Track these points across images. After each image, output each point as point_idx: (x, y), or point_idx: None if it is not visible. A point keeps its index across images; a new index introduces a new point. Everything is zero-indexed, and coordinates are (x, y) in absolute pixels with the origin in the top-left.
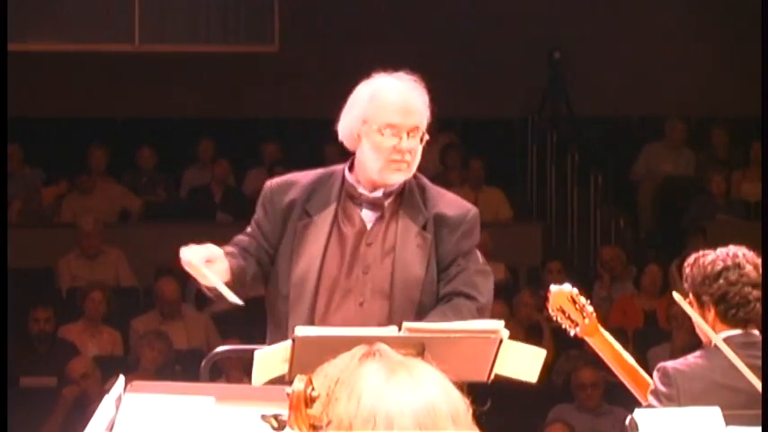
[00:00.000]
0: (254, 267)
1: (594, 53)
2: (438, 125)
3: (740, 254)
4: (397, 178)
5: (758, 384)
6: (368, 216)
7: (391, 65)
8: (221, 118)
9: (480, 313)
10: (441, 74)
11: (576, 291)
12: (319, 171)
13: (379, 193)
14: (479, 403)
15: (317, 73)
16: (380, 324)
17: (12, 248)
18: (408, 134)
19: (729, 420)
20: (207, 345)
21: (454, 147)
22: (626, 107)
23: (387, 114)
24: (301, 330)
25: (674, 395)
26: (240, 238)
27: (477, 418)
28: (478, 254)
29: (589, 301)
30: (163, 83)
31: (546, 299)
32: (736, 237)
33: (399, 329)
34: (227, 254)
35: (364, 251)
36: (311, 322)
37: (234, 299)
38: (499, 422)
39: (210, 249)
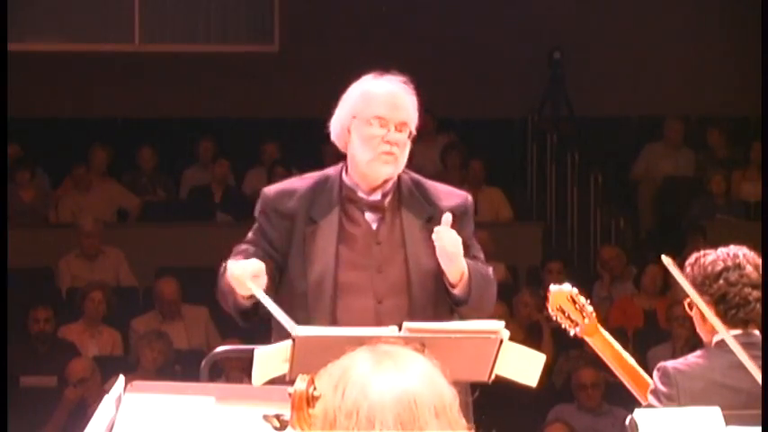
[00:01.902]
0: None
1: (594, 53)
2: (438, 125)
3: (741, 254)
4: (386, 170)
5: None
6: (370, 218)
7: (392, 65)
8: (221, 118)
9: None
10: (441, 74)
11: (575, 291)
12: (315, 176)
13: (377, 196)
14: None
15: (317, 73)
16: (401, 321)
17: (12, 248)
18: (396, 128)
19: (729, 420)
20: (207, 345)
21: (454, 147)
22: (626, 107)
23: (375, 107)
24: (301, 330)
25: (674, 395)
26: (244, 247)
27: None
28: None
29: (589, 301)
30: (163, 83)
31: (546, 299)
32: (736, 237)
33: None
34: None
35: (376, 250)
36: (334, 323)
37: (289, 324)
38: (499, 422)
39: (255, 265)
